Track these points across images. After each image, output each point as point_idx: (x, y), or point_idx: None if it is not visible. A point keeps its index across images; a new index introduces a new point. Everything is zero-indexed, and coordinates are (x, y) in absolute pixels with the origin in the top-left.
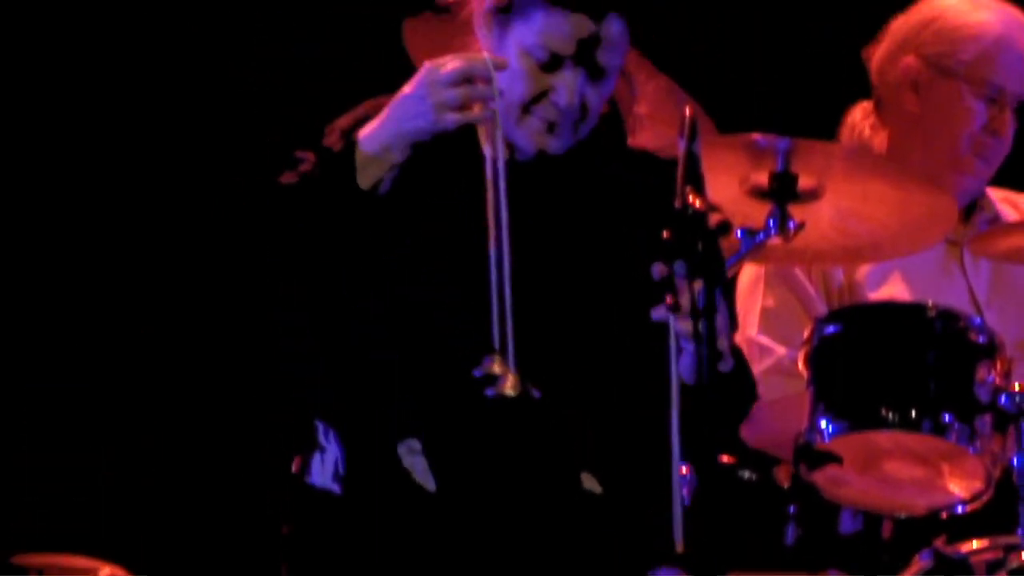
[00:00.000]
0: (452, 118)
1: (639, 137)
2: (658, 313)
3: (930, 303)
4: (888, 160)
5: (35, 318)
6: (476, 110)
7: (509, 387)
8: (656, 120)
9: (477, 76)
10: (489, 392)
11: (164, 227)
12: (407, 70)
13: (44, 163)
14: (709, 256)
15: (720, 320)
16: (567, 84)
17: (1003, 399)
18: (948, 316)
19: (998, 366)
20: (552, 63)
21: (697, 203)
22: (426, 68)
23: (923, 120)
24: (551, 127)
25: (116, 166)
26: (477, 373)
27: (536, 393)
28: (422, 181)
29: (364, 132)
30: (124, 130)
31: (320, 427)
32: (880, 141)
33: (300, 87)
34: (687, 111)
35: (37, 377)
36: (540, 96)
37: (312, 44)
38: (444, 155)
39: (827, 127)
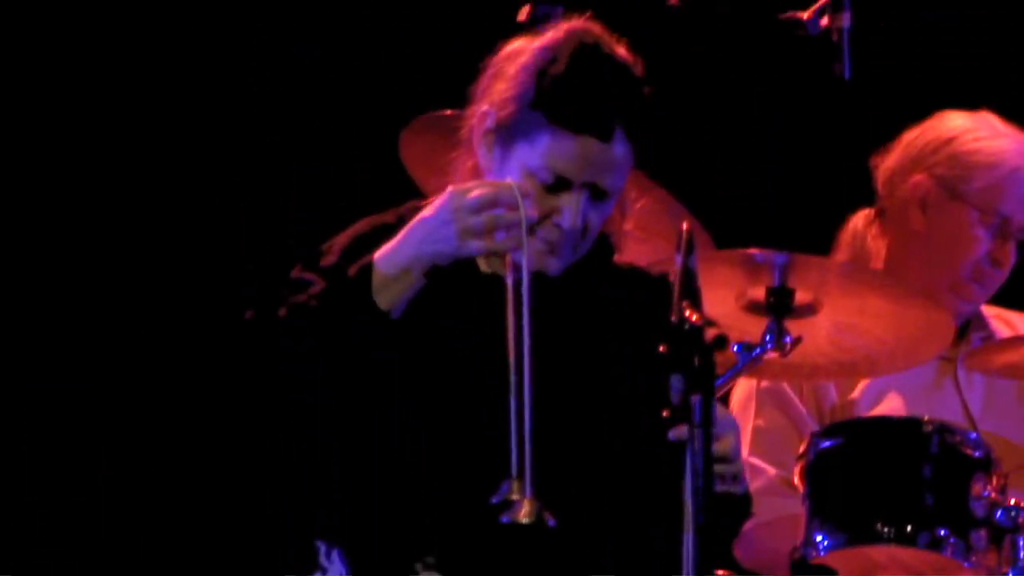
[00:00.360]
0: (477, 245)
1: (628, 252)
2: (676, 432)
3: (926, 418)
4: (885, 275)
5: (35, 318)
6: (500, 238)
7: (524, 515)
8: (652, 234)
9: (503, 203)
10: (504, 519)
11: (164, 228)
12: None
13: (45, 164)
14: (706, 371)
15: (734, 440)
16: (572, 207)
17: (999, 514)
18: (944, 431)
19: (993, 481)
20: (557, 185)
21: (694, 317)
22: (451, 193)
23: (928, 239)
24: (553, 248)
25: (116, 166)
26: (495, 500)
27: (551, 521)
28: (432, 302)
29: (381, 254)
30: (123, 129)
31: (322, 547)
32: (879, 249)
33: (301, 87)
34: (683, 226)
35: (38, 377)
36: (544, 218)
37: (312, 44)
38: (447, 275)
39: (823, 241)
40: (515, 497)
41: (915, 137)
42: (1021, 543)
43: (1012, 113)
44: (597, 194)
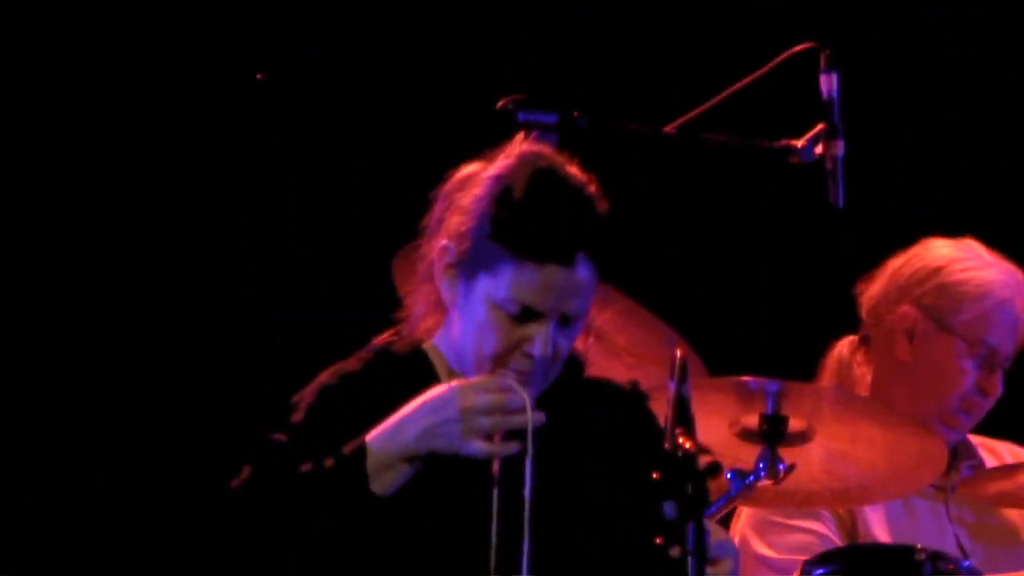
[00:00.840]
0: (480, 447)
1: (619, 376)
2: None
3: (919, 546)
4: (877, 403)
5: (35, 318)
6: (502, 443)
7: None
8: (645, 360)
9: (511, 408)
10: None
11: (164, 228)
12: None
13: (46, 165)
14: (699, 498)
15: (731, 565)
16: (541, 336)
17: None
18: (937, 559)
19: None
20: (524, 315)
21: (687, 445)
22: (456, 391)
23: (914, 369)
24: (525, 378)
25: (116, 166)
26: None
27: None
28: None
29: (376, 438)
30: (123, 129)
31: None
32: (864, 376)
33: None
34: (677, 353)
35: (38, 377)
36: (513, 348)
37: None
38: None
39: (814, 367)
40: None
41: (901, 266)
42: None
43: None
44: (565, 320)
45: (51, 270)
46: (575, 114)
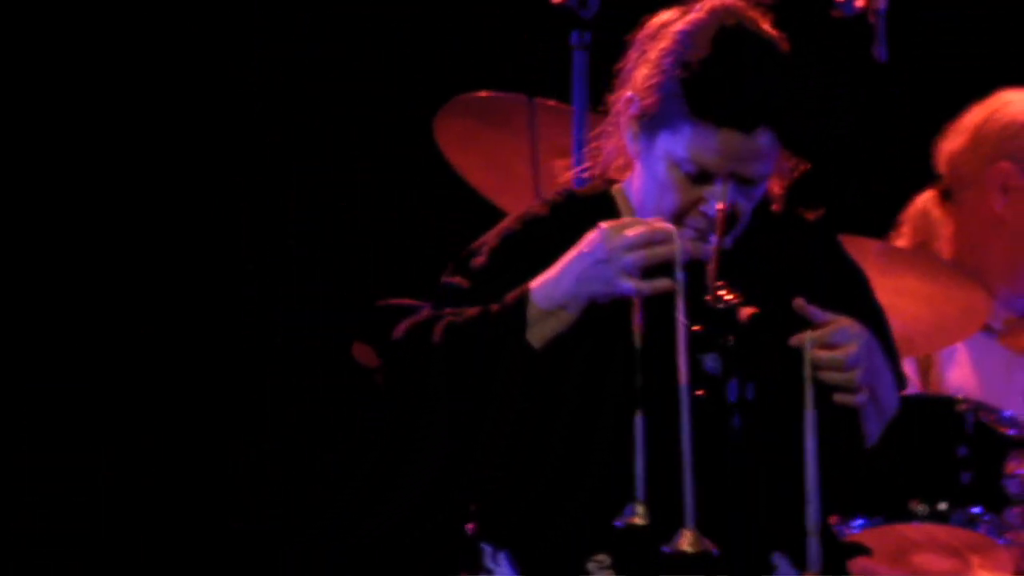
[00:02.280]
0: (632, 285)
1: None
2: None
3: (961, 396)
4: (919, 254)
5: (34, 318)
6: (659, 281)
7: (687, 544)
8: None
9: (659, 242)
10: (665, 549)
11: (164, 227)
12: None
13: (46, 165)
14: (740, 351)
15: (854, 349)
16: (717, 196)
17: None
18: (979, 409)
19: None
20: (701, 176)
21: (729, 297)
22: (605, 232)
23: (1010, 224)
24: (702, 235)
25: (116, 166)
26: (618, 523)
27: (715, 551)
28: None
29: (538, 286)
30: (122, 128)
31: (488, 550)
32: (947, 232)
33: (301, 85)
34: (718, 206)
35: (37, 378)
36: (690, 207)
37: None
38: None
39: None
40: (639, 521)
41: (984, 121)
42: None
43: None
44: (743, 182)
45: (51, 270)
46: None
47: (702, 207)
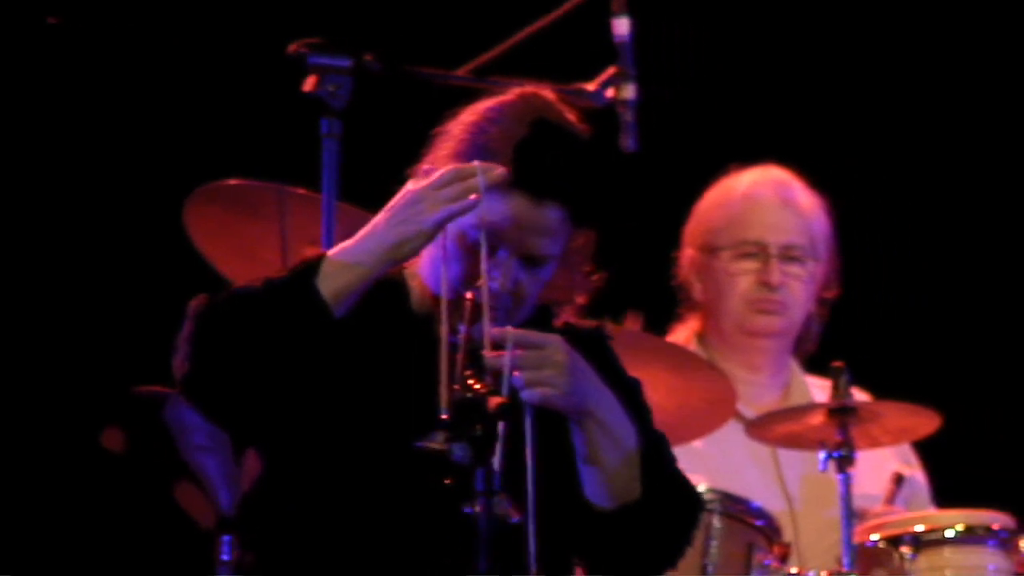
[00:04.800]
0: (444, 211)
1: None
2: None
3: (704, 487)
4: (667, 345)
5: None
6: (468, 202)
7: (438, 443)
8: None
9: (464, 174)
10: (418, 444)
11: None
12: None
13: (44, 165)
14: (488, 440)
15: (552, 352)
16: (501, 269)
17: None
18: (727, 500)
19: (775, 550)
20: (487, 247)
21: (477, 386)
22: (413, 183)
23: (709, 302)
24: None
25: (117, 167)
26: (419, 444)
27: (515, 518)
28: (363, 338)
29: (337, 248)
30: (124, 129)
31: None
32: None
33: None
34: (467, 295)
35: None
36: (473, 279)
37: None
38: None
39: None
40: (440, 446)
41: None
42: None
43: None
44: (530, 260)
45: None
46: (368, 58)
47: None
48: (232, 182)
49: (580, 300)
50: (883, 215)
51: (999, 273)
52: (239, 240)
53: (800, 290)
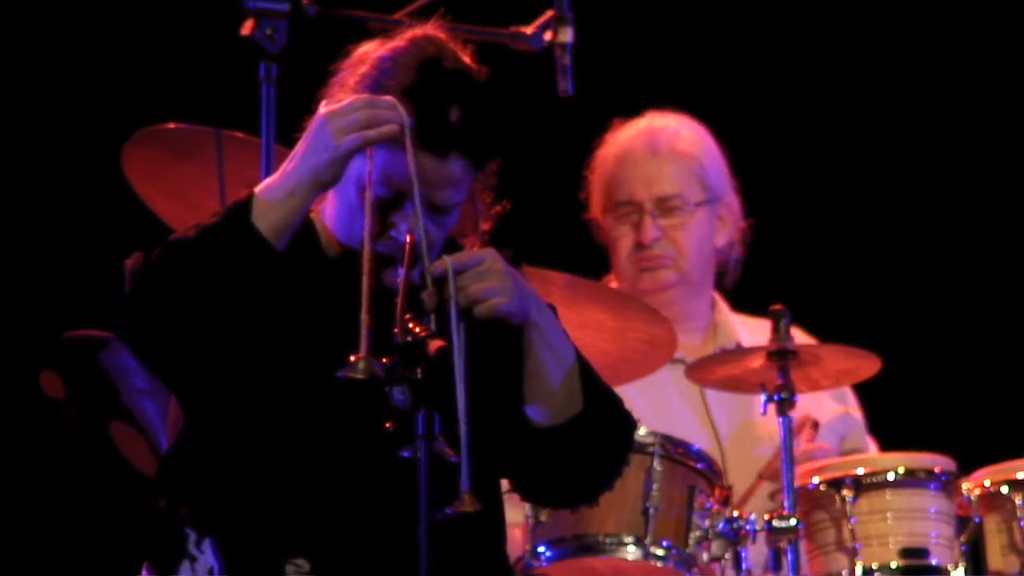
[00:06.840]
0: (353, 139)
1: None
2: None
3: (645, 430)
4: (607, 289)
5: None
6: (385, 127)
7: (360, 372)
8: None
9: (377, 104)
10: (340, 374)
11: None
12: None
13: (44, 165)
14: (428, 383)
15: (490, 262)
16: (408, 222)
17: (721, 525)
18: (668, 442)
19: (716, 493)
20: (393, 201)
21: (417, 330)
22: (324, 108)
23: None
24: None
25: (54, 110)
26: (341, 374)
27: (452, 457)
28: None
29: (263, 185)
30: (61, 72)
31: (192, 536)
32: None
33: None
34: (407, 239)
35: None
36: (381, 232)
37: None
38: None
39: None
40: (360, 375)
41: None
42: (743, 554)
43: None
44: (434, 209)
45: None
46: (305, 1)
47: (392, 233)
48: (170, 126)
49: (484, 227)
50: (828, 158)
51: (938, 215)
52: (177, 184)
53: (686, 238)
